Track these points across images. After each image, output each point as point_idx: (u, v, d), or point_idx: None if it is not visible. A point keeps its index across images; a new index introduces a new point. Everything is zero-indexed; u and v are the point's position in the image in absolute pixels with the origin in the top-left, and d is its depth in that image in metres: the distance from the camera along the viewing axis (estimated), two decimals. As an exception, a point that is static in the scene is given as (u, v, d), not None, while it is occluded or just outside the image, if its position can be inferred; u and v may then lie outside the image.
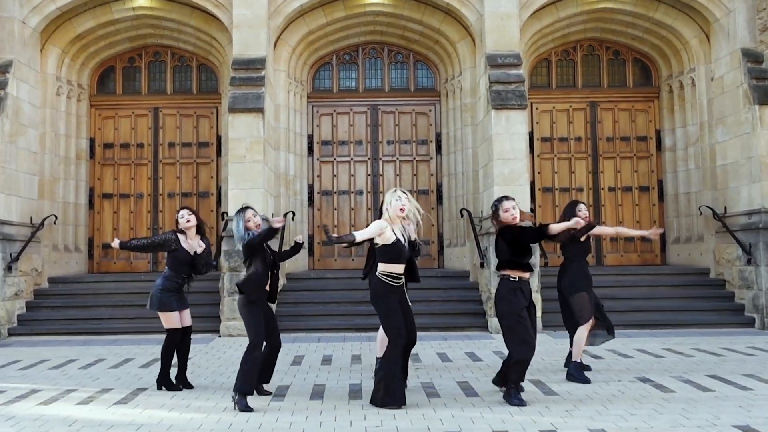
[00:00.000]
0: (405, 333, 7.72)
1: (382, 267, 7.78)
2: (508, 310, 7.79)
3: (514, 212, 7.94)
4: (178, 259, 8.94)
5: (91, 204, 16.58)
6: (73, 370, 10.19)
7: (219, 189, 16.39)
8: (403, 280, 7.97)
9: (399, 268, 7.81)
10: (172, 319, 8.84)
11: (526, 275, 7.90)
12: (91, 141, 16.67)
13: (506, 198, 8.12)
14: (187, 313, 9.04)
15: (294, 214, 15.58)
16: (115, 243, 8.99)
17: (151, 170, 16.69)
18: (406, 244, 7.89)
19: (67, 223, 15.98)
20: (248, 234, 8.30)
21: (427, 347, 11.86)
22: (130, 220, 16.57)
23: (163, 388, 8.75)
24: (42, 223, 14.90)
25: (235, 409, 7.52)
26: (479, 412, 7.28)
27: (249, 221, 8.44)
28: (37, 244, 14.95)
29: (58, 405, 7.96)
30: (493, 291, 9.11)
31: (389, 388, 7.49)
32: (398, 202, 7.79)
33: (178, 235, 9.04)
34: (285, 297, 14.59)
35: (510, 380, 7.80)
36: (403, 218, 7.88)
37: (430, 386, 8.68)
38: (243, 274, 8.53)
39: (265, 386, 8.45)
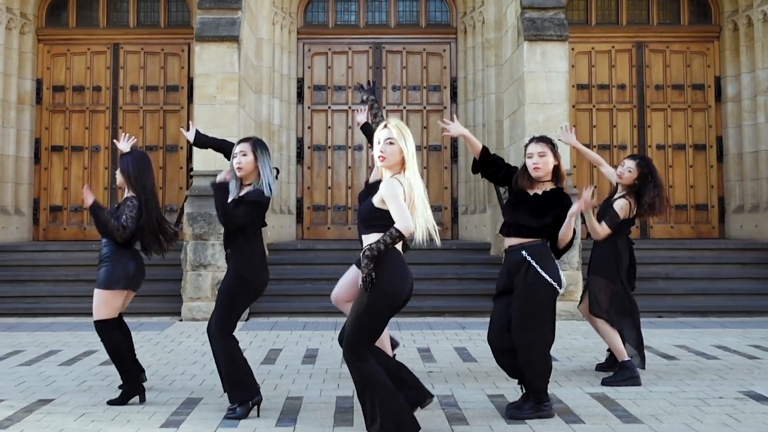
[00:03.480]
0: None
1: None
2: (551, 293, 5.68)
3: (538, 161, 5.74)
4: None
5: (36, 158, 14.06)
6: (-32, 369, 7.71)
7: (189, 142, 13.79)
8: None
9: None
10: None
11: None
12: (38, 83, 14.13)
13: (539, 139, 5.88)
14: None
15: (278, 171, 12.96)
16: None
17: (109, 119, 14.14)
18: None
19: (5, 180, 13.45)
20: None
21: (441, 339, 9.37)
22: (84, 178, 14.02)
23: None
24: (-30, 179, 12.41)
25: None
26: (532, 454, 4.77)
27: (235, 156, 5.96)
28: (-36, 205, 12.46)
29: None
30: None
31: (392, 415, 4.93)
32: (378, 145, 4.96)
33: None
34: (265, 272, 12.10)
35: (539, 390, 5.66)
36: None
37: (450, 403, 6.17)
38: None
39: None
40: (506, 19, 12.80)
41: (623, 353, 6.88)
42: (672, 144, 14.15)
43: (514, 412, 5.63)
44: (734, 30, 13.91)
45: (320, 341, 9.23)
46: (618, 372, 6.85)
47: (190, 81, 13.90)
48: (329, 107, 14.28)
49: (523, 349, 5.59)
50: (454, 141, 14.11)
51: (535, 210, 5.73)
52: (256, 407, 5.74)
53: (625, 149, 14.04)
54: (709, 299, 11.68)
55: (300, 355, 8.35)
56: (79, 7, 14.36)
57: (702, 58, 14.26)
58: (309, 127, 14.21)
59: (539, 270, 5.60)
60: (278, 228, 13.27)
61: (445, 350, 8.66)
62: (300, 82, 14.22)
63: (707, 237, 13.95)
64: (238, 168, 5.88)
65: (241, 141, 6.06)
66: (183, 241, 11.24)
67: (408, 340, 9.27)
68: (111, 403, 6.14)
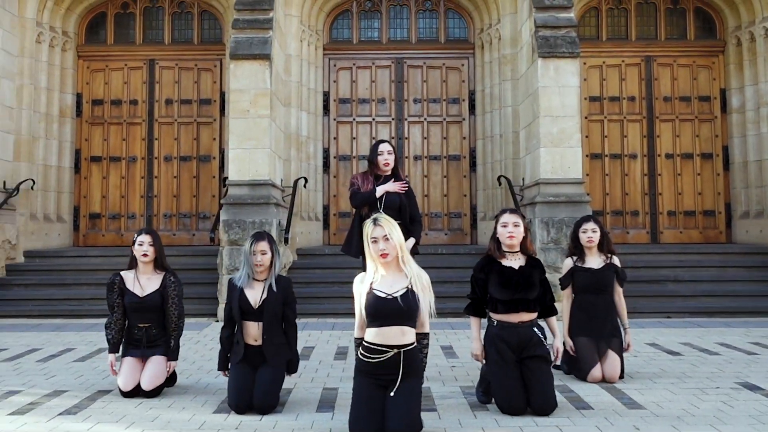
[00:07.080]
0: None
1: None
2: None
3: (513, 230, 6.20)
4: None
5: (77, 168, 14.72)
6: (29, 364, 8.30)
7: (222, 152, 14.44)
8: (391, 353, 5.25)
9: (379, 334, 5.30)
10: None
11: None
12: (78, 97, 14.79)
13: (512, 211, 6.37)
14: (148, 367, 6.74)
15: (306, 180, 13.61)
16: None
17: (145, 130, 14.77)
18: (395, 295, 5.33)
19: (48, 189, 14.12)
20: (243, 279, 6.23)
21: (462, 338, 9.92)
22: (122, 187, 14.68)
23: None
24: (17, 188, 13.07)
25: None
26: (546, 435, 5.31)
27: (254, 254, 6.15)
28: (12, 213, 13.10)
29: (-15, 415, 6.07)
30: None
31: None
32: (376, 245, 5.32)
33: (123, 275, 6.91)
34: (295, 276, 12.66)
35: None
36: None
37: (472, 393, 6.72)
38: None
39: None
40: (521, 36, 13.37)
41: None
42: (680, 153, 14.65)
43: None
44: (738, 45, 14.43)
45: (350, 340, 9.77)
46: None
47: (222, 95, 14.57)
48: (354, 119, 14.86)
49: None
50: (473, 150, 14.67)
51: (528, 282, 6.13)
52: None
53: (635, 158, 14.57)
54: (715, 300, 12.16)
55: (332, 352, 8.91)
56: (117, 25, 15.02)
57: (708, 72, 14.77)
58: (335, 138, 14.79)
59: (545, 342, 6.17)
60: (306, 234, 13.86)
61: (466, 348, 9.18)
62: (326, 96, 14.81)
63: (715, 241, 14.44)
64: (260, 266, 6.17)
65: (257, 238, 6.20)
66: (219, 247, 11.84)
67: (431, 338, 9.78)
68: None
